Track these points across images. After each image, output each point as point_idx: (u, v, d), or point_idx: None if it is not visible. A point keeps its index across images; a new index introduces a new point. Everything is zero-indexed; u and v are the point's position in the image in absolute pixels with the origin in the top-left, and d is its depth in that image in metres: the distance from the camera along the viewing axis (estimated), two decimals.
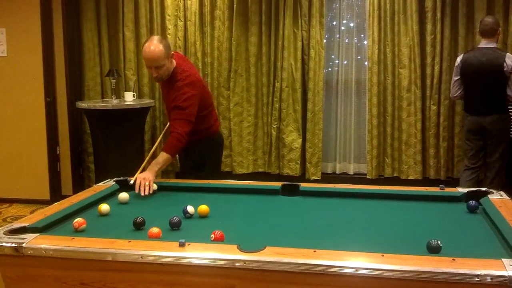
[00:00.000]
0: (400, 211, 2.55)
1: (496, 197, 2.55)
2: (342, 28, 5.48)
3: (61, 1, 5.42)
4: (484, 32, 4.45)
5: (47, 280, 1.97)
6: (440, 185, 2.85)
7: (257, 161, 5.61)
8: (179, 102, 3.15)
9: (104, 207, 2.49)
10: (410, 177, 5.24)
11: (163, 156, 3.06)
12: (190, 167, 3.57)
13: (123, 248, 1.90)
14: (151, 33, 5.54)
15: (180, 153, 3.57)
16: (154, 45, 3.10)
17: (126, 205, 2.70)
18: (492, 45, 4.44)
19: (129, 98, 5.21)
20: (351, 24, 5.47)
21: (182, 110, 3.15)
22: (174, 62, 3.26)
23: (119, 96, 5.54)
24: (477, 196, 2.59)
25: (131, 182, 2.90)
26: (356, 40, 5.46)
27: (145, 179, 2.84)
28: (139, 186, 2.81)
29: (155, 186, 2.91)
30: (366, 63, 5.34)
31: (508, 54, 4.39)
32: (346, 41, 5.48)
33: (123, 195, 2.74)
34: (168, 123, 3.37)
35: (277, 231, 2.26)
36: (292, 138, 5.42)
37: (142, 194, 2.79)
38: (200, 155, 3.50)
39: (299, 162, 5.43)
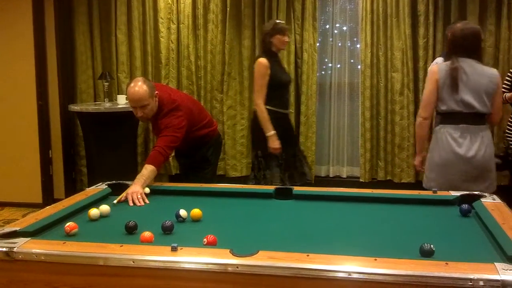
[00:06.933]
0: (393, 215, 2.54)
1: (489, 200, 2.56)
2: (335, 31, 5.49)
3: (53, 4, 5.41)
4: None
5: (38, 285, 1.95)
6: (433, 189, 2.86)
7: (250, 164, 5.58)
8: (166, 123, 3.27)
9: (93, 212, 2.45)
10: (403, 181, 5.26)
11: (147, 169, 3.05)
12: (194, 167, 3.74)
13: (115, 253, 1.89)
14: (144, 36, 5.54)
15: (180, 156, 3.89)
16: (138, 86, 3.20)
17: (118, 209, 2.67)
18: None
19: (122, 101, 5.18)
20: (344, 28, 5.49)
21: (168, 128, 3.25)
22: (157, 101, 3.32)
23: (112, 99, 5.52)
24: (470, 199, 2.60)
25: (115, 202, 2.76)
26: (349, 44, 5.48)
27: (134, 192, 2.79)
28: (132, 200, 2.77)
29: (147, 190, 2.89)
30: (359, 66, 5.36)
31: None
32: (339, 44, 5.49)
33: (104, 208, 2.53)
34: None
35: (270, 235, 2.25)
36: None
37: (138, 204, 2.75)
38: (205, 155, 3.73)
39: None
